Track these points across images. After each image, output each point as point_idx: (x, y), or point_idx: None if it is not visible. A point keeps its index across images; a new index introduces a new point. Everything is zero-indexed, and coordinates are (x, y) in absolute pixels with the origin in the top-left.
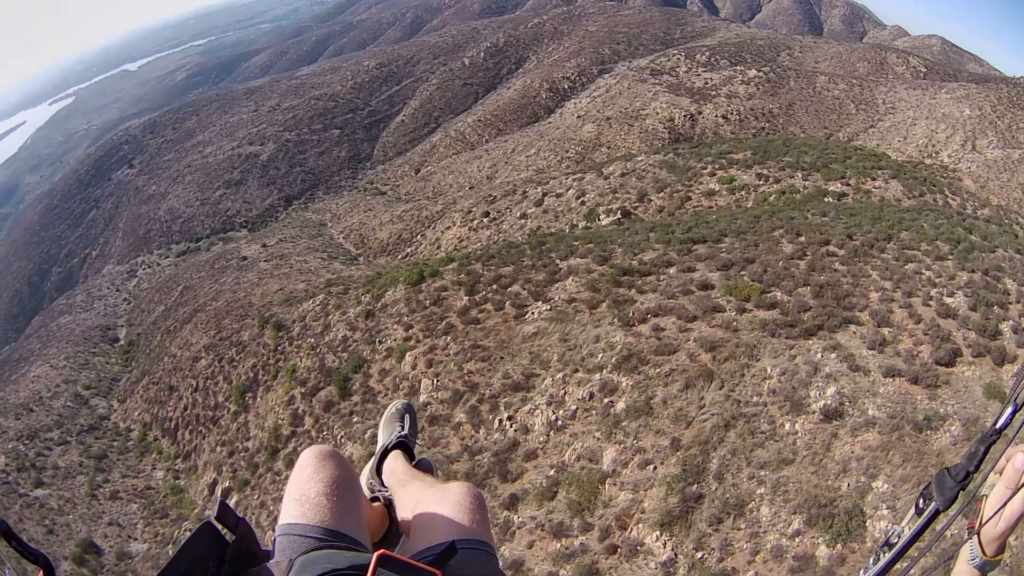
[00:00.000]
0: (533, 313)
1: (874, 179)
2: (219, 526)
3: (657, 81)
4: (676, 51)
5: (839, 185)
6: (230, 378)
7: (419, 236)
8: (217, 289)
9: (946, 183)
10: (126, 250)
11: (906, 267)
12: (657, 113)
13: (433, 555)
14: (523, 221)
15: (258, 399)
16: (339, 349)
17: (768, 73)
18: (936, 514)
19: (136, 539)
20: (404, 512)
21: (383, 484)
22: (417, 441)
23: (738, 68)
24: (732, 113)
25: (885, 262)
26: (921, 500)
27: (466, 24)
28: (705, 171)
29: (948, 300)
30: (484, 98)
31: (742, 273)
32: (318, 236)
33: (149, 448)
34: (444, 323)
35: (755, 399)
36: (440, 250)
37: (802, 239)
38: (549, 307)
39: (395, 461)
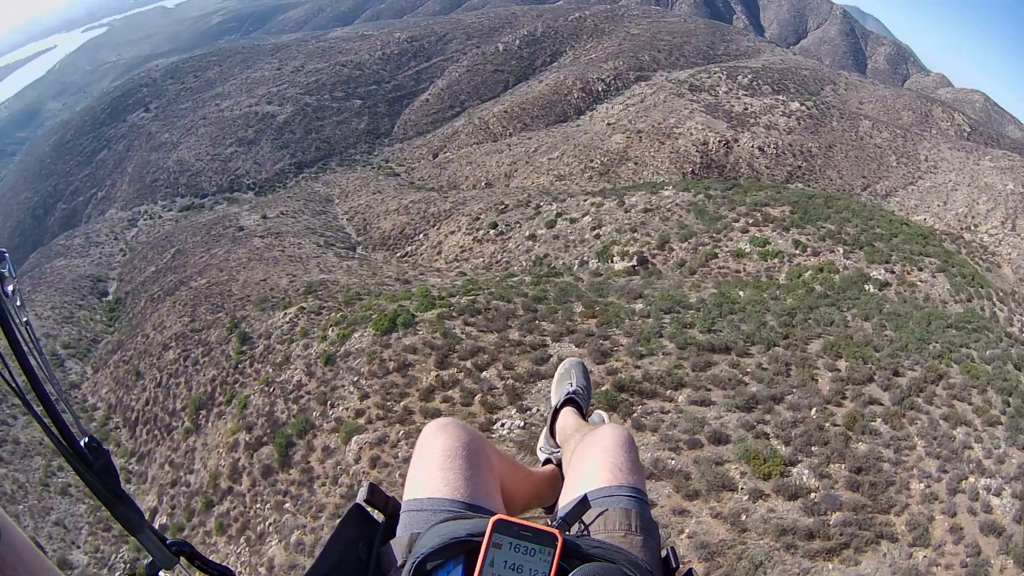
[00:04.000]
0: (504, 425)
1: (920, 269)
2: (368, 508)
3: (695, 98)
4: (718, 68)
5: (883, 271)
6: (191, 383)
7: (422, 235)
8: (207, 262)
9: (991, 282)
10: (131, 196)
11: (955, 434)
12: (691, 134)
13: (567, 512)
14: (531, 243)
15: (210, 423)
16: (291, 397)
17: (811, 108)
18: None
19: (79, 547)
20: (567, 468)
21: (556, 444)
22: (592, 398)
23: (780, 97)
24: (769, 146)
25: (933, 422)
26: None
27: (505, 7)
28: (737, 224)
29: (995, 502)
30: (514, 88)
31: (766, 420)
32: (321, 213)
33: (108, 436)
34: (402, 405)
35: None
36: (440, 256)
37: (841, 366)
38: (523, 423)
39: (565, 418)
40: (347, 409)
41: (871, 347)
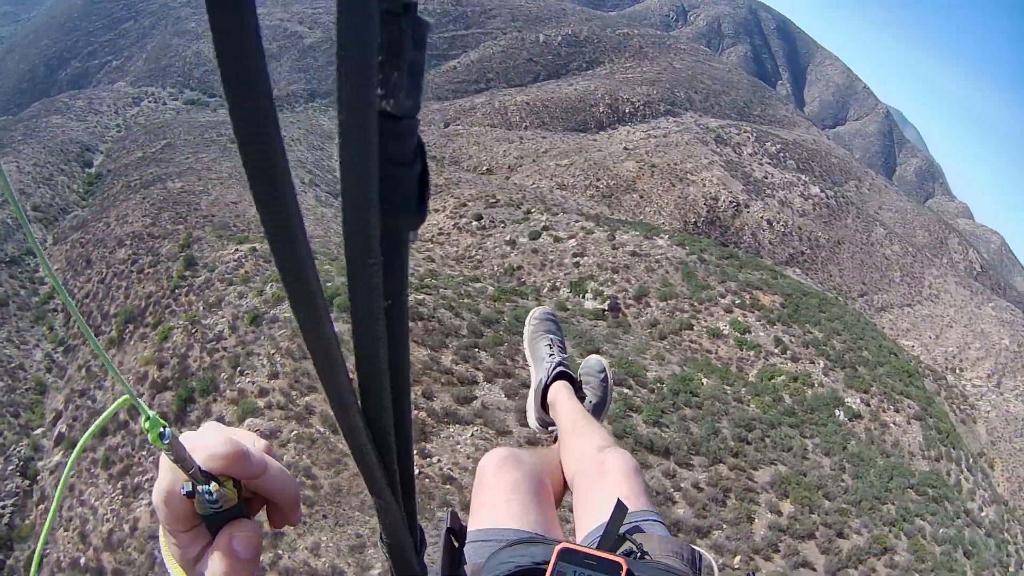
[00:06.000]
0: None
1: (897, 411)
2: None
3: (718, 151)
4: (749, 128)
5: (858, 400)
6: (129, 291)
7: None
8: (190, 165)
9: (964, 442)
10: (143, 74)
11: None
12: (704, 185)
13: (611, 538)
14: (508, 249)
15: (132, 341)
16: (209, 347)
17: (830, 198)
18: None
19: None
20: (568, 467)
21: (550, 418)
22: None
23: (803, 177)
24: (778, 222)
25: None
26: None
27: (558, 1)
28: (723, 300)
29: None
30: (543, 83)
31: None
32: (318, 149)
33: (45, 316)
34: (305, 401)
35: None
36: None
37: (784, 509)
38: (416, 471)
39: (558, 393)
40: (253, 383)
41: (822, 493)
